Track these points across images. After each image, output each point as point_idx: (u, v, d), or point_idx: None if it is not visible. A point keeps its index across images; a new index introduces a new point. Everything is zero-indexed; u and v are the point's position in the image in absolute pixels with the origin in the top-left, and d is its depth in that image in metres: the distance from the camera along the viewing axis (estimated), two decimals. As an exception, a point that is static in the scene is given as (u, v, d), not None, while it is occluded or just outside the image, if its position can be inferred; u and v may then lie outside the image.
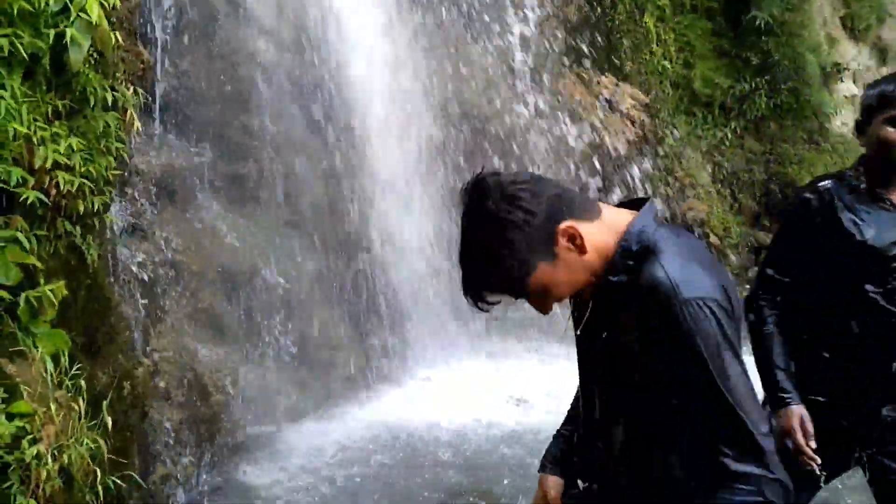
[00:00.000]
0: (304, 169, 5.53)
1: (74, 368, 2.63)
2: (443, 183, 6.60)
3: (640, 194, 8.52)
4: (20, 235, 2.30)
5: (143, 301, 3.72)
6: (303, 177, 5.55)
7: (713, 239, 9.43)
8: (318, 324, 5.47)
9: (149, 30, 4.28)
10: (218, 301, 4.53)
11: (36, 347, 2.45)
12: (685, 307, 1.30)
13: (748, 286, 9.00)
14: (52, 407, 2.35)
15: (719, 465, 1.32)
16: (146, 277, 3.80)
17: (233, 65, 4.86)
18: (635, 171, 8.68)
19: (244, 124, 4.96)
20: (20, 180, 2.33)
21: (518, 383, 5.48)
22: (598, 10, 9.22)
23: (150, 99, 4.05)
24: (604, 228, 1.41)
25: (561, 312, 1.56)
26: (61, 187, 2.45)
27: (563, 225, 1.38)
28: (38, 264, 2.41)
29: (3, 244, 2.28)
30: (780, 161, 10.28)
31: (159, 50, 4.35)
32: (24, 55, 2.35)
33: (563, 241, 1.38)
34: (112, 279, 3.27)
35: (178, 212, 4.40)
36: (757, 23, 9.69)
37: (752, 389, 1.37)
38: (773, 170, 10.32)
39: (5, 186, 2.30)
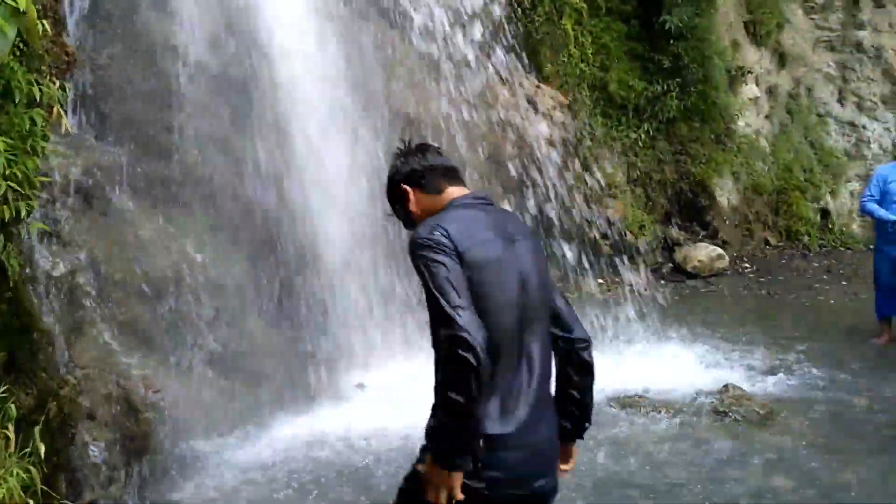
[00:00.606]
0: (229, 169, 5.27)
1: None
2: (370, 182, 6.46)
3: (561, 194, 8.67)
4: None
5: (64, 313, 3.43)
6: (228, 178, 5.30)
7: (629, 237, 9.69)
8: (247, 332, 5.24)
9: (63, 20, 3.95)
10: (142, 310, 4.25)
11: (-47, 371, 2.19)
12: (413, 241, 2.13)
13: (663, 281, 9.17)
14: (-22, 437, 2.10)
15: (436, 332, 2.02)
16: (66, 287, 3.50)
17: (154, 59, 4.57)
18: (554, 171, 8.78)
19: (166, 122, 4.67)
20: (-64, 184, 2.07)
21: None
22: (519, 10, 9.28)
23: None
24: (433, 199, 2.28)
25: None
26: (-17, 192, 2.21)
27: (403, 186, 2.32)
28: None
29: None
30: (690, 161, 10.68)
31: (73, 42, 4.02)
32: (-59, 46, 2.10)
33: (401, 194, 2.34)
34: (31, 290, 2.99)
35: (98, 216, 4.10)
36: (667, 27, 10.00)
37: (453, 281, 2.02)
38: (683, 169, 10.71)
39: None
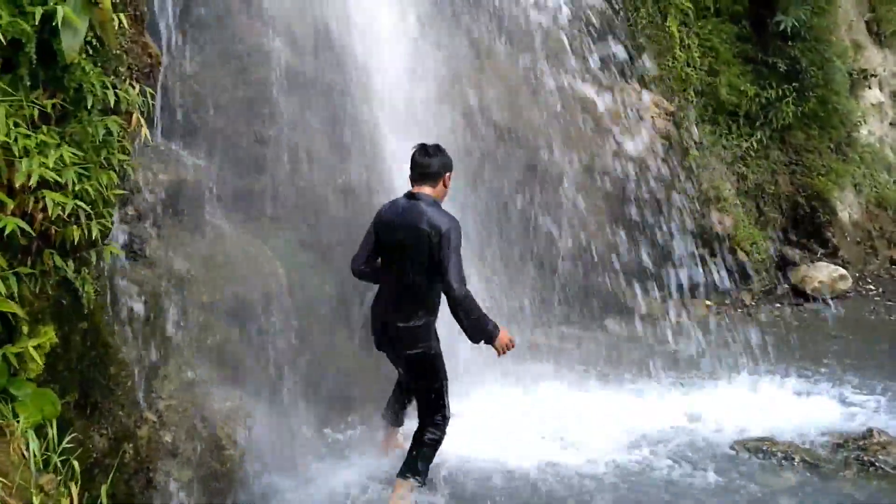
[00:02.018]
0: (320, 183, 4.99)
1: (66, 438, 2.07)
2: (465, 197, 6.09)
3: (664, 207, 8.10)
4: (-6, 278, 1.75)
5: (146, 341, 3.15)
6: (319, 191, 5.01)
7: (740, 254, 8.95)
8: (336, 355, 4.93)
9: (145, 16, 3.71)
10: (229, 335, 3.97)
11: (16, 418, 1.89)
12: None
13: (778, 304, 8.46)
14: (36, 502, 1.79)
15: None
16: (149, 313, 3.23)
17: (246, 66, 4.32)
18: (656, 182, 8.19)
19: (258, 133, 4.41)
20: (-4, 204, 1.78)
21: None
22: (621, 13, 8.75)
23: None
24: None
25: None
26: (49, 211, 1.90)
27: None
28: (20, 311, 1.85)
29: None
30: (807, 172, 9.85)
31: (164, 47, 3.79)
32: (3, 41, 1.79)
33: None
34: (110, 318, 2.71)
35: (186, 233, 3.84)
36: (782, 27, 9.27)
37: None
38: (800, 181, 9.88)
39: (-24, 213, 1.75)
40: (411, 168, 3.92)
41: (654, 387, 5.86)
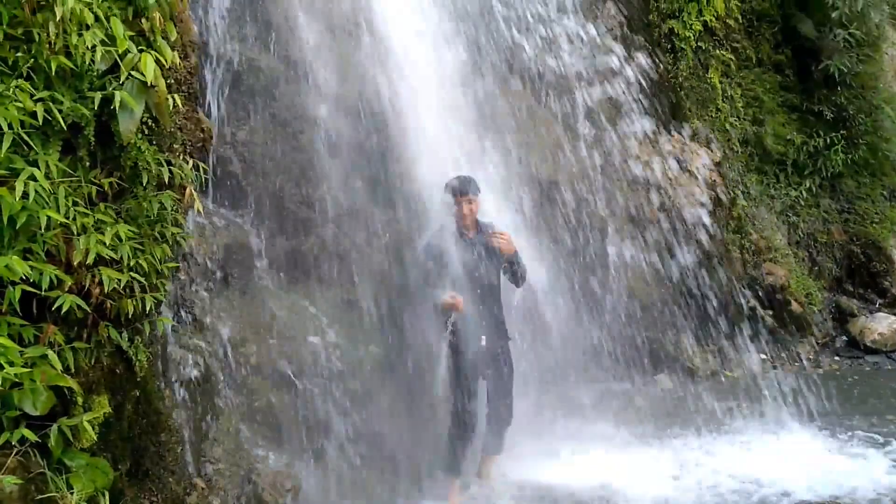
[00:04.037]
0: (365, 242, 5.04)
1: (118, 508, 2.10)
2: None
3: (714, 258, 7.95)
4: (52, 355, 1.80)
5: (195, 406, 3.19)
6: (364, 251, 5.06)
7: (794, 306, 8.70)
8: (382, 414, 4.90)
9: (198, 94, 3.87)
10: (277, 396, 3.99)
11: (70, 489, 1.92)
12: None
13: (836, 357, 8.17)
14: (90, 576, 1.81)
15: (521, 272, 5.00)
16: (200, 377, 3.28)
17: (294, 132, 4.44)
18: (704, 233, 8.07)
19: (305, 196, 4.51)
20: (54, 281, 1.84)
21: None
22: (661, 66, 8.78)
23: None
24: None
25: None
26: (105, 287, 1.96)
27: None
28: (75, 386, 1.89)
29: (31, 363, 1.78)
30: (860, 220, 9.60)
31: (215, 117, 3.93)
32: (63, 125, 1.88)
33: None
34: (162, 384, 2.75)
35: (235, 295, 3.91)
36: (828, 74, 9.18)
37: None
38: (853, 230, 9.63)
39: (36, 291, 1.81)
40: None
41: (712, 444, 5.67)
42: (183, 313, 3.56)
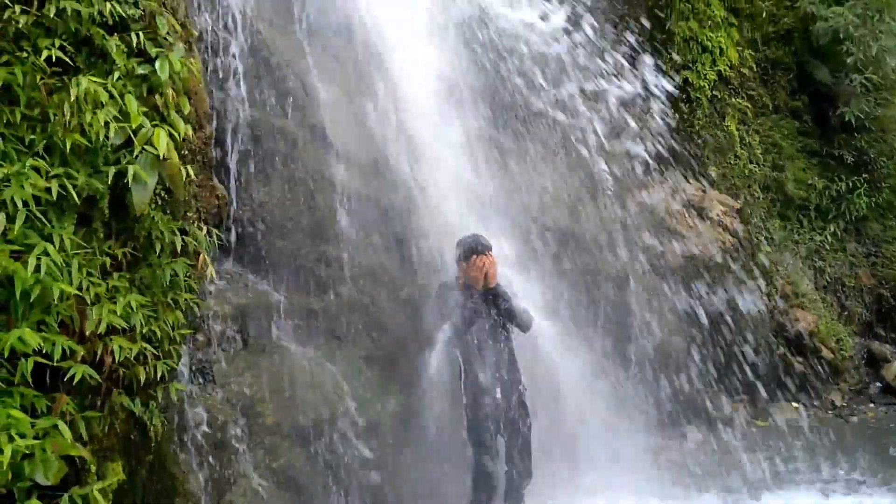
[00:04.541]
0: (384, 299, 5.08)
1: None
2: (532, 300, 6.06)
3: (741, 306, 7.83)
4: (62, 425, 1.83)
5: (212, 467, 3.20)
6: (383, 307, 5.09)
7: (825, 352, 8.52)
8: (403, 471, 4.86)
9: (222, 159, 3.98)
10: (295, 455, 3.97)
11: (81, 562, 1.93)
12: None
13: (871, 405, 7.95)
14: None
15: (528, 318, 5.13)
16: (217, 438, 3.29)
17: (311, 192, 4.53)
18: (730, 281, 7.97)
19: (323, 255, 4.57)
20: (67, 351, 1.88)
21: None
22: (678, 116, 8.83)
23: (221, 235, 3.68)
24: None
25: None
26: (117, 356, 2.00)
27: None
28: (88, 455, 1.92)
29: (43, 433, 1.81)
30: (888, 263, 9.46)
31: (233, 181, 4.04)
32: (77, 200, 1.96)
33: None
34: (178, 448, 2.77)
35: (252, 356, 3.95)
36: (846, 119, 9.18)
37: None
38: (881, 273, 9.49)
39: (48, 362, 1.85)
40: None
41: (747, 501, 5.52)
42: (200, 375, 3.60)
